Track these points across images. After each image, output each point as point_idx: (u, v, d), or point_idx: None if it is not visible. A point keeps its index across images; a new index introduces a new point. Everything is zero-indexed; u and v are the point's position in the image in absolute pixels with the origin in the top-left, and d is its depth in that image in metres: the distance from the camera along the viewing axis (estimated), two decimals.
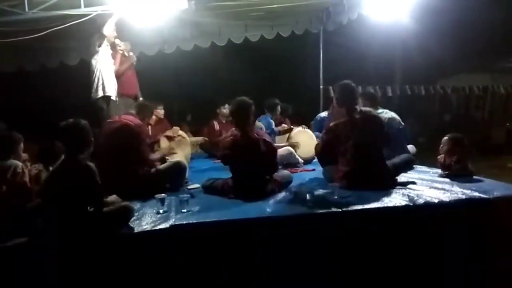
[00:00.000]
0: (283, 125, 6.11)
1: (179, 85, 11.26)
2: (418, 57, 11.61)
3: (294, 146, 5.24)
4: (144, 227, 2.80)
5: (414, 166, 4.46)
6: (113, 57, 5.22)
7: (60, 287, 2.61)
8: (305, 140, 5.42)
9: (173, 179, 3.86)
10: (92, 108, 4.98)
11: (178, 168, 3.95)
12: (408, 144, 4.69)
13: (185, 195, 3.23)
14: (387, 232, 3.03)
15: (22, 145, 3.09)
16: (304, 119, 6.17)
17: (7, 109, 6.91)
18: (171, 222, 2.85)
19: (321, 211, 3.03)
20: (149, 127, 5.44)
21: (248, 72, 11.49)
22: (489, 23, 12.40)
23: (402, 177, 3.89)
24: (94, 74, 4.95)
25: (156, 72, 8.44)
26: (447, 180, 3.83)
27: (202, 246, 2.81)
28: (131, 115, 3.99)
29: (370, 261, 2.98)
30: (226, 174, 3.77)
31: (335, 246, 2.95)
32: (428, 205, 3.11)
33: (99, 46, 4.93)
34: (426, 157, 4.95)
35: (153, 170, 3.83)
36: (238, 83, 10.55)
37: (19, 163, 2.92)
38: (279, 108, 5.84)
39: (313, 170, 4.83)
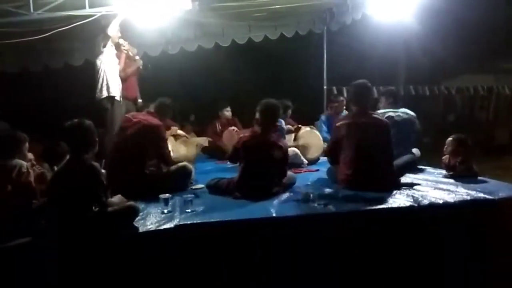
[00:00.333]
0: (288, 126, 6.10)
1: (183, 85, 11.26)
2: (422, 58, 11.57)
3: (303, 147, 5.23)
4: (149, 227, 2.81)
5: (418, 167, 4.44)
6: (118, 57, 5.24)
7: (64, 287, 2.62)
8: (311, 140, 5.41)
9: (178, 181, 3.87)
10: (96, 108, 4.99)
11: (184, 172, 3.97)
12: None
13: (189, 195, 3.24)
14: (391, 233, 3.03)
15: (27, 145, 3.10)
16: (308, 119, 6.15)
17: (11, 109, 6.95)
18: (175, 222, 2.86)
19: (325, 212, 3.03)
20: None
21: (251, 73, 11.49)
22: (494, 24, 12.35)
23: (406, 178, 3.88)
24: (99, 75, 4.96)
25: (160, 72, 8.43)
26: (452, 181, 3.82)
27: (206, 246, 2.81)
28: (150, 115, 4.01)
29: (374, 262, 2.97)
30: (230, 175, 3.78)
31: (338, 247, 2.95)
32: (432, 206, 3.10)
33: (104, 46, 4.94)
34: (430, 158, 4.93)
35: (164, 170, 3.85)
36: (241, 83, 10.55)
37: (24, 163, 2.93)
38: (290, 111, 5.83)
39: (317, 170, 4.82)
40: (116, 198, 3.05)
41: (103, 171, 2.90)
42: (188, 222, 2.84)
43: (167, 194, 3.18)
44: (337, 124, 3.85)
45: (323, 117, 6.24)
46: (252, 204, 3.24)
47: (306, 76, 10.59)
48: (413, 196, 3.27)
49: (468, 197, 3.24)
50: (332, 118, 6.03)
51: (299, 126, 5.69)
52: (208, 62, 9.65)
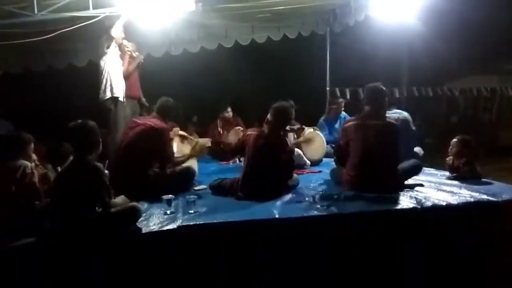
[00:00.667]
0: (289, 126, 6.10)
1: (186, 86, 11.27)
2: (425, 59, 11.55)
3: (306, 145, 5.23)
4: (152, 227, 2.82)
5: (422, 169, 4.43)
6: (121, 58, 5.24)
7: (67, 287, 2.62)
8: (315, 141, 5.41)
9: (181, 183, 3.87)
10: (100, 109, 5.00)
11: (188, 173, 3.97)
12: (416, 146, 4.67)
13: (192, 196, 3.24)
14: (394, 235, 3.02)
15: (32, 146, 3.11)
16: (311, 120, 6.14)
17: (15, 110, 6.98)
18: (178, 223, 2.87)
19: (328, 213, 3.02)
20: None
21: (254, 74, 11.49)
22: (497, 25, 12.31)
23: (409, 180, 3.87)
24: (102, 75, 4.97)
25: (163, 73, 8.47)
26: (455, 182, 3.81)
27: (209, 247, 2.82)
28: (155, 117, 4.02)
29: (377, 264, 2.97)
30: (232, 175, 3.78)
31: (341, 249, 2.95)
32: (435, 208, 3.10)
33: (107, 47, 4.95)
34: (433, 159, 4.92)
35: (167, 171, 3.86)
36: (244, 84, 10.56)
37: (28, 164, 2.94)
38: (293, 111, 5.81)
39: (320, 171, 4.82)
40: (119, 199, 3.05)
41: (106, 172, 2.90)
42: (191, 223, 2.85)
43: (170, 195, 3.19)
44: (345, 125, 3.85)
45: (321, 121, 6.22)
46: (255, 205, 3.25)
47: (309, 77, 10.58)
48: (416, 198, 3.26)
49: (472, 199, 3.23)
50: (331, 120, 6.05)
51: (303, 126, 5.68)
52: (211, 63, 9.65)
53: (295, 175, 4.13)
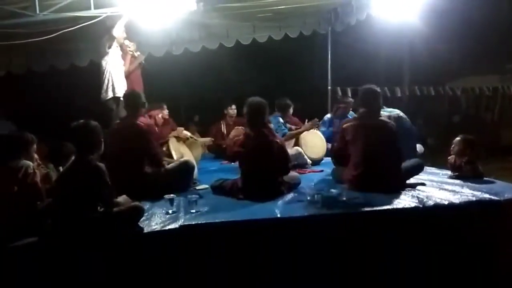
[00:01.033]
0: (291, 126, 6.10)
1: (187, 86, 11.29)
2: (427, 58, 11.53)
3: (305, 146, 5.21)
4: (154, 227, 2.82)
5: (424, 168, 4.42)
6: (123, 58, 5.25)
7: (69, 286, 2.63)
8: (314, 141, 5.40)
9: (181, 178, 3.87)
10: (101, 109, 5.01)
11: (186, 168, 3.96)
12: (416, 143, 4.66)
13: (193, 195, 3.24)
14: (396, 234, 3.02)
15: (35, 146, 3.12)
16: (312, 118, 6.13)
17: (17, 110, 7.00)
18: (180, 222, 2.87)
19: (329, 212, 3.02)
20: (156, 128, 5.46)
21: (255, 73, 11.50)
22: (499, 24, 12.28)
23: (411, 179, 3.86)
24: (104, 75, 4.98)
25: (164, 73, 8.48)
26: (457, 181, 3.80)
27: (211, 246, 2.82)
28: (140, 116, 4.00)
29: (379, 263, 2.96)
30: (234, 175, 3.78)
31: (343, 248, 2.94)
32: (438, 207, 3.09)
33: (109, 47, 4.96)
34: (435, 158, 4.91)
35: (162, 169, 3.83)
36: (245, 84, 10.56)
37: (30, 164, 2.95)
38: (291, 109, 5.81)
39: (321, 171, 4.81)
40: (121, 199, 3.05)
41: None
42: (193, 223, 2.85)
43: (172, 195, 3.19)
44: (343, 126, 3.84)
45: (327, 118, 6.19)
46: (256, 205, 3.25)
47: (310, 77, 10.59)
48: (418, 197, 3.26)
49: (474, 198, 3.22)
50: (338, 119, 6.01)
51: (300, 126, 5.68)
52: (212, 63, 9.66)
53: (296, 174, 4.13)
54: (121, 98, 5.02)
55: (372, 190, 3.42)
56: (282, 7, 5.62)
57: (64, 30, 4.61)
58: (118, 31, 4.93)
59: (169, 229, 2.79)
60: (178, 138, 4.88)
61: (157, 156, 3.87)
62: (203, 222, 2.87)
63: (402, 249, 3.01)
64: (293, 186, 3.74)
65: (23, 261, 2.59)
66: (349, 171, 3.70)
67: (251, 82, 10.85)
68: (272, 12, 5.90)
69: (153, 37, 6.10)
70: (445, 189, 3.51)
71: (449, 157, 4.10)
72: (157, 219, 2.96)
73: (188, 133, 5.20)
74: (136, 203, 2.99)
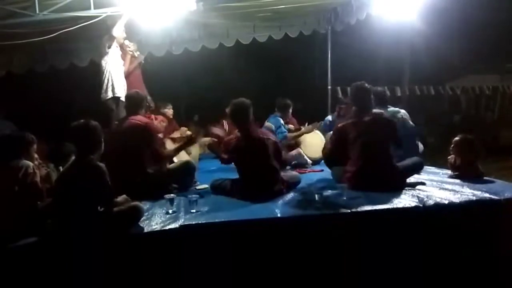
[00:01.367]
0: (290, 126, 6.09)
1: (187, 85, 11.31)
2: (427, 58, 11.54)
3: (304, 146, 5.21)
4: (154, 227, 2.82)
5: (424, 167, 4.42)
6: (123, 58, 5.25)
7: (70, 286, 2.63)
8: (314, 141, 5.40)
9: (182, 179, 3.87)
10: (101, 108, 5.01)
11: (187, 168, 3.96)
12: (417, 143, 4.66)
13: (194, 195, 3.24)
14: (396, 233, 3.02)
15: (35, 146, 3.12)
16: (313, 119, 6.13)
17: (17, 110, 7.00)
18: (180, 222, 2.86)
19: (329, 212, 3.02)
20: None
21: (255, 73, 11.51)
22: (499, 23, 12.28)
23: (411, 178, 3.86)
24: (104, 75, 4.98)
25: (164, 73, 8.49)
26: (457, 181, 3.80)
27: (211, 246, 2.82)
28: (139, 115, 4.00)
29: (379, 262, 2.96)
30: (234, 175, 3.78)
31: (343, 248, 2.94)
32: (438, 206, 3.09)
33: (109, 47, 4.96)
34: (435, 158, 4.91)
35: (163, 169, 3.83)
36: (245, 83, 10.58)
37: (31, 164, 2.95)
38: (290, 109, 5.81)
39: (321, 171, 4.81)
40: (121, 198, 3.05)
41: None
42: (193, 222, 2.85)
43: (172, 194, 3.19)
44: (339, 125, 3.84)
45: (328, 120, 6.16)
46: (257, 204, 3.24)
47: (311, 76, 10.60)
48: (418, 197, 3.26)
49: (474, 198, 3.22)
50: (339, 120, 5.98)
51: (301, 127, 5.69)
52: (212, 63, 9.67)
53: (296, 173, 4.13)
54: (121, 98, 5.04)
55: (372, 189, 3.42)
56: (282, 6, 5.62)
57: (64, 30, 4.61)
58: (118, 31, 4.93)
59: (169, 229, 2.79)
60: (173, 139, 4.87)
61: (159, 153, 3.87)
62: (203, 222, 2.86)
63: (402, 248, 3.00)
64: (293, 185, 3.73)
65: (23, 260, 2.59)
66: (347, 170, 3.69)
67: (251, 82, 10.87)
68: (272, 12, 5.90)
69: (153, 37, 6.10)
70: (445, 189, 3.51)
71: (449, 157, 4.10)
72: (157, 219, 2.95)
73: (189, 133, 5.21)
74: (136, 203, 2.99)
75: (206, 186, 3.97)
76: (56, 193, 2.83)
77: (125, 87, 5.14)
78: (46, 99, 9.16)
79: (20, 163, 2.88)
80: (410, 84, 11.80)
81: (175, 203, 3.17)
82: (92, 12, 4.38)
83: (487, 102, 13.80)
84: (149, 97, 5.76)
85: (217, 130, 5.78)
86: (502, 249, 3.10)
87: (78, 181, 2.70)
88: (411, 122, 4.58)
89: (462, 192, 3.37)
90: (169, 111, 6.09)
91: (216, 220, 2.89)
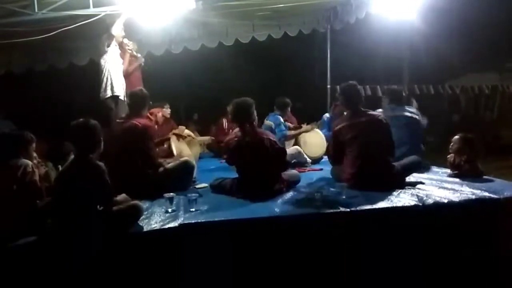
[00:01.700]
0: (289, 124, 6.09)
1: (186, 84, 11.30)
2: (426, 57, 11.53)
3: (304, 144, 5.20)
4: (153, 226, 2.81)
5: (430, 166, 4.43)
6: (122, 57, 5.24)
7: (69, 285, 2.63)
8: (314, 139, 5.40)
9: (181, 178, 3.86)
10: (100, 107, 5.00)
11: (186, 167, 3.96)
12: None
13: (193, 194, 3.24)
14: (396, 232, 3.02)
15: (34, 145, 3.11)
16: (312, 118, 6.14)
17: (16, 109, 6.99)
18: (180, 221, 2.86)
19: (329, 211, 3.02)
20: (156, 126, 5.46)
21: (255, 72, 11.51)
22: (498, 22, 12.29)
23: (411, 177, 3.87)
24: (103, 74, 4.97)
25: (163, 72, 8.48)
26: (457, 180, 3.81)
27: (210, 245, 2.82)
28: (141, 116, 4.00)
29: (379, 261, 2.96)
30: (234, 174, 3.78)
31: (342, 246, 2.94)
32: (437, 205, 3.09)
33: (108, 46, 4.95)
34: (435, 157, 4.91)
35: (161, 169, 3.82)
36: (245, 82, 10.57)
37: (29, 162, 2.94)
38: (289, 108, 5.81)
39: (321, 169, 4.82)
40: (121, 197, 3.05)
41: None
42: (193, 221, 2.85)
43: (171, 193, 3.19)
44: (335, 128, 3.85)
45: (326, 118, 6.18)
46: (256, 203, 3.24)
47: (310, 75, 10.60)
48: (417, 196, 3.26)
49: (473, 196, 3.22)
50: (335, 117, 5.99)
51: (300, 126, 5.68)
52: (211, 62, 9.66)
53: (296, 172, 4.13)
54: (120, 97, 5.03)
55: (371, 188, 3.42)
56: (282, 5, 5.61)
57: (63, 29, 4.60)
58: (117, 30, 4.92)
59: (169, 228, 2.79)
60: (179, 136, 4.88)
61: (152, 158, 3.83)
62: (202, 220, 2.86)
63: (401, 247, 3.00)
64: (293, 184, 3.74)
65: (22, 260, 2.59)
66: (347, 169, 3.70)
67: (250, 81, 10.86)
68: (272, 11, 5.90)
69: (152, 36, 6.09)
70: (445, 188, 3.51)
71: (448, 156, 4.10)
72: (156, 218, 2.95)
73: (189, 132, 5.20)
74: (136, 201, 2.99)
75: (206, 185, 3.96)
76: (55, 192, 2.83)
77: (124, 86, 5.13)
78: (45, 98, 9.15)
79: (19, 162, 2.87)
80: (409, 83, 11.76)
81: (174, 202, 3.17)
82: (91, 10, 4.37)
83: (487, 101, 13.81)
84: None
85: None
86: (502, 248, 3.10)
87: (77, 180, 2.70)
88: (424, 125, 4.61)
89: (461, 191, 3.38)
90: (167, 110, 6.09)
91: (216, 219, 2.89)
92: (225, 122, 6.65)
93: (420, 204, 3.10)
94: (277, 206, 3.12)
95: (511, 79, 13.16)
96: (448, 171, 4.10)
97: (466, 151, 3.94)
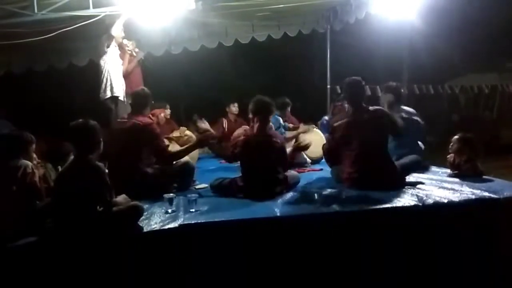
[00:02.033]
0: (289, 124, 6.09)
1: (186, 85, 11.30)
2: (426, 57, 11.54)
3: (306, 146, 5.19)
4: (153, 226, 2.81)
5: (429, 166, 4.43)
6: (121, 57, 5.24)
7: (69, 286, 2.63)
8: (313, 140, 5.39)
9: (181, 179, 3.87)
10: (100, 108, 5.00)
11: (187, 168, 3.96)
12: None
13: (193, 194, 3.24)
14: (396, 232, 3.02)
15: (34, 146, 3.11)
16: (312, 118, 6.14)
17: (16, 109, 6.99)
18: (179, 221, 2.86)
19: (329, 211, 3.02)
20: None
21: (255, 72, 11.51)
22: (498, 23, 12.29)
23: (410, 177, 3.87)
24: (103, 75, 4.97)
25: (163, 72, 8.48)
26: (457, 180, 3.80)
27: (210, 245, 2.82)
28: (143, 115, 4.00)
29: (379, 261, 2.96)
30: (233, 174, 3.78)
31: (342, 246, 2.94)
32: (437, 205, 3.09)
33: (108, 46, 4.95)
34: (435, 157, 4.91)
35: (167, 168, 3.82)
36: (244, 83, 10.58)
37: (29, 163, 2.94)
38: (289, 108, 5.81)
39: (321, 169, 4.82)
40: (121, 198, 3.05)
41: (107, 171, 2.90)
42: (192, 222, 2.85)
43: (171, 194, 3.19)
44: (335, 124, 3.82)
45: (325, 120, 6.16)
46: (256, 203, 3.24)
47: (310, 75, 10.59)
48: (417, 195, 3.26)
49: (473, 196, 3.22)
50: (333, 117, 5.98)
51: (300, 125, 5.67)
52: (211, 62, 9.66)
53: (296, 172, 4.13)
54: (120, 98, 5.03)
55: (371, 188, 3.42)
56: (281, 6, 5.61)
57: (63, 30, 4.60)
58: (117, 30, 4.92)
59: (169, 228, 2.79)
60: (169, 139, 4.86)
61: (162, 151, 3.83)
62: (202, 221, 2.86)
63: (401, 247, 3.00)
64: (293, 185, 3.73)
65: (22, 260, 2.59)
66: (346, 169, 3.69)
67: (250, 81, 10.86)
68: (271, 11, 5.90)
69: (152, 36, 6.09)
70: (445, 187, 3.51)
71: (448, 156, 4.10)
72: (156, 218, 2.95)
73: (190, 133, 5.20)
74: (136, 202, 2.99)
75: (206, 185, 3.96)
76: (55, 192, 2.83)
77: (124, 87, 5.13)
78: (45, 99, 9.15)
79: (19, 162, 2.87)
80: (409, 83, 11.78)
81: (174, 203, 3.16)
82: (90, 11, 4.37)
83: (486, 101, 13.80)
84: None
85: (202, 125, 5.71)
86: (502, 247, 3.10)
87: (77, 181, 2.70)
88: (422, 125, 4.59)
89: (461, 191, 3.38)
90: (167, 111, 6.08)
91: (216, 220, 2.89)
92: (225, 122, 6.65)
93: (420, 204, 3.10)
94: (277, 207, 3.12)
95: (511, 79, 13.16)
96: (448, 171, 4.10)
97: (466, 151, 3.93)
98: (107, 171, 2.91)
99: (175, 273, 2.74)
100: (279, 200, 3.31)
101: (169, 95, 7.53)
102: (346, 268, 2.94)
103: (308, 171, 4.82)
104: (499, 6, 11.78)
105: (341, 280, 2.93)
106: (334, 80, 7.16)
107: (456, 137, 4.04)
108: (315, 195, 3.30)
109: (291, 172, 4.02)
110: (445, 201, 3.14)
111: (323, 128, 5.89)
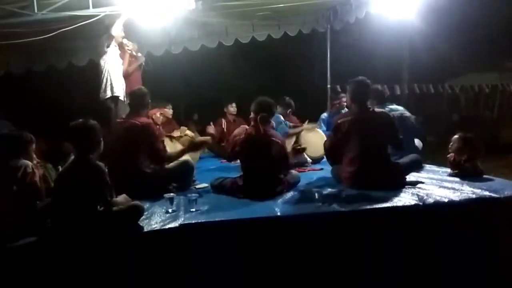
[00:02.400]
0: (290, 123, 6.09)
1: (186, 85, 11.30)
2: (426, 56, 11.55)
3: (301, 149, 5.17)
4: (154, 226, 2.81)
5: (423, 165, 4.42)
6: (121, 57, 5.24)
7: (69, 286, 2.63)
8: (314, 139, 5.39)
9: (181, 178, 3.86)
10: (100, 108, 5.00)
11: (187, 168, 3.96)
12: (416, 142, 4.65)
13: (193, 194, 3.24)
14: (396, 232, 3.02)
15: (34, 146, 3.11)
16: (313, 117, 6.14)
17: (15, 109, 6.99)
18: (180, 221, 2.86)
19: (329, 211, 3.02)
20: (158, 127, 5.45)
21: (255, 72, 11.51)
22: (498, 22, 12.29)
23: (411, 177, 3.86)
24: (103, 75, 4.97)
25: (163, 72, 8.48)
26: (457, 179, 3.80)
27: (211, 245, 2.82)
28: (141, 115, 3.99)
29: (379, 260, 2.96)
30: (233, 174, 3.78)
31: (343, 246, 2.94)
32: (437, 205, 3.09)
33: (108, 46, 4.95)
34: (435, 156, 4.91)
35: (162, 169, 3.82)
36: (245, 82, 10.58)
37: (29, 163, 2.94)
38: (289, 108, 5.81)
39: (321, 169, 4.81)
40: (121, 198, 3.05)
41: (107, 171, 2.90)
42: (193, 221, 2.85)
43: (171, 194, 3.19)
44: (338, 122, 3.81)
45: (324, 116, 6.19)
46: (256, 203, 3.24)
47: (310, 75, 10.59)
48: (418, 195, 3.25)
49: (474, 196, 3.22)
50: (333, 116, 6.00)
51: (301, 124, 5.66)
52: (211, 62, 9.66)
53: (296, 172, 4.13)
54: (120, 98, 5.03)
55: (371, 187, 3.42)
56: (281, 5, 5.61)
57: (63, 29, 4.60)
58: (117, 30, 4.92)
59: (169, 228, 2.78)
60: (171, 137, 4.86)
61: (160, 152, 3.83)
62: (203, 221, 2.86)
63: (401, 246, 3.00)
64: (293, 184, 3.73)
65: (22, 260, 2.59)
66: (345, 168, 3.69)
67: (250, 81, 10.86)
68: (271, 11, 5.90)
69: (152, 36, 6.08)
70: (445, 187, 3.51)
71: (448, 155, 4.10)
72: (157, 218, 2.95)
73: (190, 133, 5.20)
74: (136, 202, 2.99)
75: (206, 185, 3.96)
76: (55, 192, 2.83)
77: (124, 87, 5.13)
78: (45, 99, 9.14)
79: (19, 162, 2.87)
80: (409, 83, 11.81)
81: (174, 202, 3.16)
82: (90, 11, 4.37)
83: (486, 100, 13.81)
84: None
85: (211, 129, 5.77)
86: (502, 247, 3.10)
87: (77, 181, 2.70)
88: (412, 120, 4.57)
89: (461, 190, 3.37)
90: (169, 111, 6.08)
91: (216, 219, 2.89)
92: (224, 122, 6.65)
93: (421, 203, 3.09)
94: (278, 206, 3.12)
95: (511, 78, 13.16)
96: (448, 170, 4.09)
97: (466, 150, 3.93)
98: (107, 170, 2.91)
99: (175, 273, 2.74)
100: (280, 200, 3.31)
101: (169, 95, 7.51)
102: (346, 267, 2.94)
103: (309, 170, 4.82)
104: (499, 6, 11.78)
105: (341, 280, 2.93)
106: (334, 80, 7.15)
107: (456, 136, 4.04)
108: (316, 194, 3.30)
109: (292, 172, 4.02)
110: (446, 200, 3.14)
111: (322, 123, 5.90)
